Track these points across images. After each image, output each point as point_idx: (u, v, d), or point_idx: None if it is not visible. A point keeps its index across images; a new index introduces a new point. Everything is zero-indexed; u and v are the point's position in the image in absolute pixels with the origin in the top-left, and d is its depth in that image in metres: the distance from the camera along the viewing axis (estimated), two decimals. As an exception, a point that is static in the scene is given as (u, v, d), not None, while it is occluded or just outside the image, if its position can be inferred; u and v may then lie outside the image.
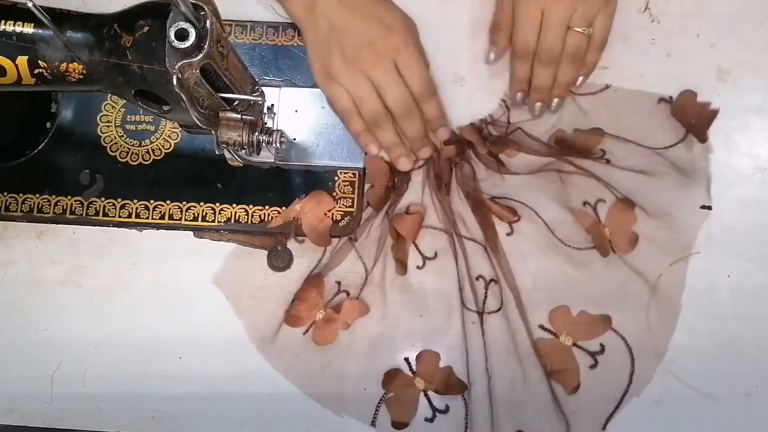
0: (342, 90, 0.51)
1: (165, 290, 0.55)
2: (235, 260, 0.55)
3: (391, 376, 0.53)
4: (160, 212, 0.55)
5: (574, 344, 0.52)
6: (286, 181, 0.55)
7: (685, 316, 0.53)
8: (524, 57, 0.53)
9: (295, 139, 0.55)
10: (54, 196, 0.56)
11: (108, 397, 0.54)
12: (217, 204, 0.55)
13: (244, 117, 0.47)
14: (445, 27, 0.58)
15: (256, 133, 0.48)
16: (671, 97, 0.55)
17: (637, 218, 0.53)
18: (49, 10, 0.39)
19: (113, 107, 0.57)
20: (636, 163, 0.54)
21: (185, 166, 0.56)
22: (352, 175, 0.55)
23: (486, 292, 0.53)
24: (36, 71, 0.41)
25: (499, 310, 0.53)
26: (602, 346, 0.52)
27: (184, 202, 0.55)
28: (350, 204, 0.55)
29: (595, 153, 0.55)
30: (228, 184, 0.55)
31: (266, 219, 0.55)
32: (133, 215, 0.55)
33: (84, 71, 0.42)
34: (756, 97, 0.56)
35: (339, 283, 0.54)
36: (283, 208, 0.55)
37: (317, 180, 0.55)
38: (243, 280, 0.55)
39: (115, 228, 0.56)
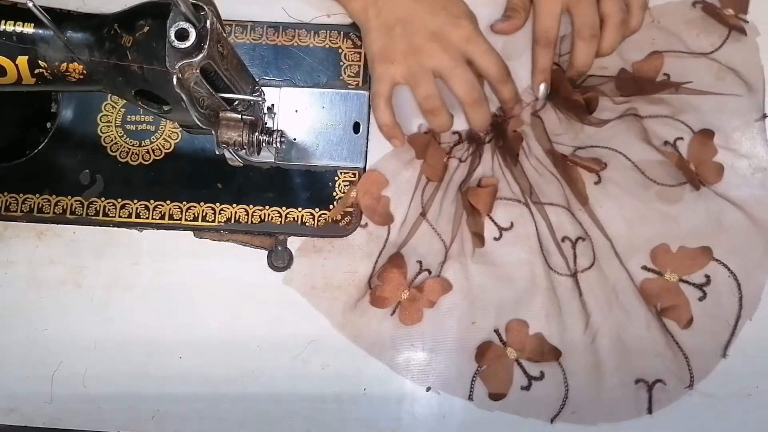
0: (390, 77, 0.51)
1: (165, 290, 0.55)
2: (305, 260, 0.55)
3: (483, 349, 0.52)
4: (160, 212, 0.55)
5: (680, 280, 0.52)
6: (286, 181, 0.55)
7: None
8: (547, 45, 0.53)
9: (295, 139, 0.55)
10: (54, 196, 0.56)
11: (108, 397, 0.54)
12: (217, 204, 0.55)
13: (244, 117, 0.47)
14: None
15: (256, 133, 0.48)
16: None
17: (717, 151, 0.54)
18: (49, 10, 0.39)
19: (113, 107, 0.57)
20: (699, 80, 0.54)
21: (185, 166, 0.56)
22: (352, 175, 0.55)
23: (575, 252, 0.53)
24: (36, 71, 0.41)
25: (592, 265, 0.53)
26: (707, 277, 0.53)
27: (184, 202, 0.55)
28: (351, 204, 0.55)
29: (661, 81, 0.55)
30: (228, 184, 0.55)
31: (266, 219, 0.55)
32: (133, 215, 0.55)
33: (84, 71, 0.42)
34: (760, 101, 0.56)
35: (420, 262, 0.54)
36: (283, 208, 0.55)
37: (317, 180, 0.55)
38: (314, 273, 0.55)
39: (115, 228, 0.56)
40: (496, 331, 0.53)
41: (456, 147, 0.55)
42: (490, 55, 0.50)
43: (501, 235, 0.54)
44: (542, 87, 0.54)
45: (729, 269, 0.53)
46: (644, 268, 0.53)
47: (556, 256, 0.53)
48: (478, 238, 0.53)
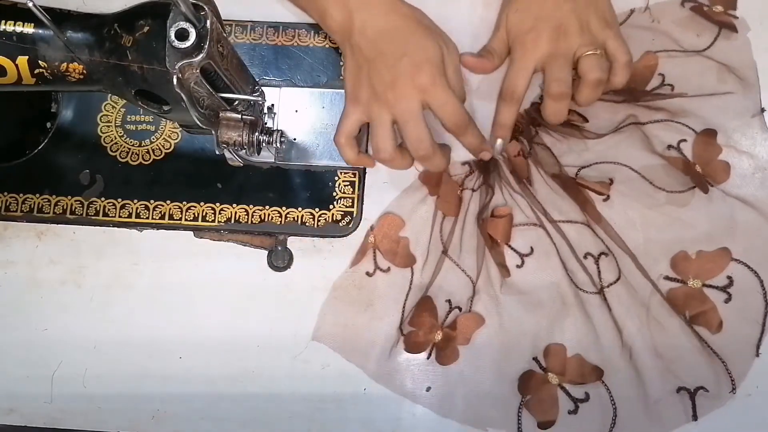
0: (358, 116, 0.50)
1: (165, 290, 0.55)
2: (331, 315, 0.54)
3: (525, 379, 0.52)
4: (160, 212, 0.55)
5: (704, 285, 0.52)
6: (286, 181, 0.55)
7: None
8: (511, 102, 0.52)
9: (295, 139, 0.55)
10: (54, 196, 0.56)
11: (108, 397, 0.54)
12: (217, 204, 0.55)
13: (244, 117, 0.47)
14: (445, 27, 0.58)
15: (256, 133, 0.48)
16: None
17: (721, 150, 0.54)
18: (49, 10, 0.39)
19: (113, 107, 0.57)
20: (702, 84, 0.54)
21: (185, 166, 0.56)
22: (352, 175, 0.55)
23: (598, 267, 0.53)
24: (36, 71, 0.41)
25: (618, 279, 0.53)
26: (730, 279, 0.52)
27: (184, 202, 0.55)
28: (350, 204, 0.55)
29: (654, 90, 0.55)
30: (228, 184, 0.55)
31: (266, 219, 0.55)
32: (133, 215, 0.55)
33: (84, 71, 0.42)
34: (756, 97, 0.56)
35: (449, 301, 0.53)
36: (283, 208, 0.55)
37: (317, 180, 0.55)
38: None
39: (115, 228, 0.56)
40: (535, 359, 0.52)
41: (467, 177, 0.55)
42: (447, 107, 0.49)
43: (523, 262, 0.54)
44: (498, 143, 0.53)
45: (750, 267, 0.53)
46: (667, 278, 0.53)
47: (581, 274, 0.53)
48: (504, 268, 0.53)
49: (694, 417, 0.51)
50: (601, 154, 0.55)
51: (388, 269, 0.54)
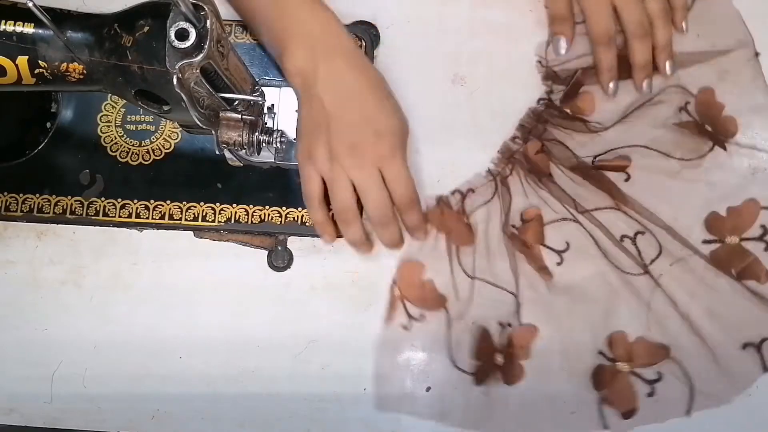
0: (317, 175, 0.49)
1: (165, 290, 0.55)
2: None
3: (597, 374, 0.52)
4: (160, 212, 0.55)
5: (741, 239, 0.53)
6: (286, 181, 0.55)
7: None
8: (608, 43, 0.53)
9: (295, 139, 0.55)
10: (54, 196, 0.56)
11: (108, 397, 0.54)
12: (217, 204, 0.55)
13: (244, 117, 0.47)
14: (446, 27, 0.58)
15: (256, 133, 0.48)
16: None
17: (724, 105, 0.54)
18: (49, 10, 0.39)
19: (113, 107, 0.57)
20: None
21: (185, 166, 0.56)
22: (352, 175, 0.55)
23: (637, 247, 0.53)
24: (36, 71, 0.41)
25: (659, 254, 0.53)
26: (763, 227, 0.53)
27: (184, 202, 0.55)
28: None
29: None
30: (228, 184, 0.55)
31: (266, 219, 0.55)
32: (133, 215, 0.55)
33: (84, 71, 0.42)
34: (756, 97, 0.56)
35: (500, 323, 0.53)
36: (283, 208, 0.55)
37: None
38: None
39: (115, 228, 0.56)
40: (600, 353, 0.52)
41: (465, 201, 0.55)
42: (401, 181, 0.49)
43: (562, 259, 0.54)
44: (611, 85, 0.54)
45: None
46: (705, 241, 0.53)
47: (623, 257, 0.53)
48: (544, 271, 0.53)
49: (765, 368, 0.51)
50: (612, 141, 0.55)
51: (422, 316, 0.53)
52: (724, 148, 0.54)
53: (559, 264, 0.54)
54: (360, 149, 0.48)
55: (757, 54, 0.55)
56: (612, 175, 0.54)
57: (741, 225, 0.53)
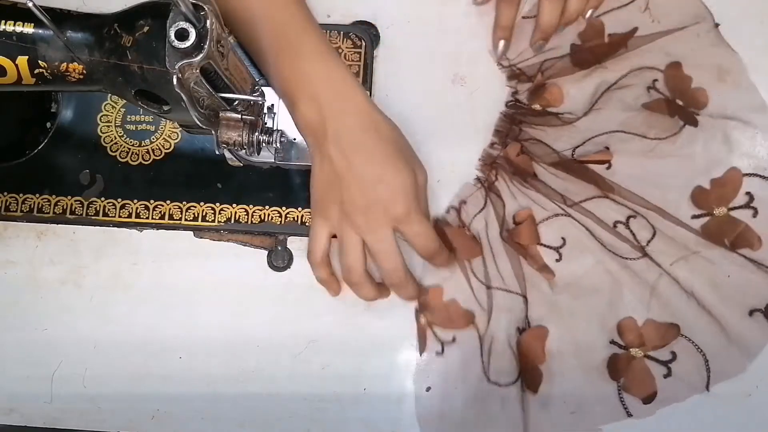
0: (327, 232, 0.48)
1: (165, 290, 0.55)
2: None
3: (612, 365, 0.52)
4: (160, 212, 0.55)
5: (729, 209, 0.53)
6: (286, 181, 0.55)
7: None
8: (511, 1, 0.53)
9: (295, 139, 0.55)
10: (54, 196, 0.56)
11: (108, 397, 0.54)
12: (217, 204, 0.55)
13: (244, 117, 0.47)
14: (445, 26, 0.58)
15: (256, 133, 0.48)
16: None
17: (691, 78, 0.55)
18: (49, 10, 0.39)
19: (113, 107, 0.57)
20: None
21: (185, 166, 0.56)
22: (352, 175, 0.55)
23: (632, 231, 0.53)
24: (36, 71, 0.41)
25: (654, 235, 0.53)
26: (749, 194, 0.54)
27: (184, 202, 0.55)
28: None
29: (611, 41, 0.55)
30: (228, 184, 0.55)
31: (266, 219, 0.55)
32: (133, 215, 0.55)
33: (84, 71, 0.42)
34: (756, 97, 0.56)
35: (518, 328, 0.53)
36: (283, 208, 0.55)
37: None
38: None
39: (115, 228, 0.56)
40: (612, 342, 0.52)
41: (462, 214, 0.54)
42: (421, 238, 0.48)
43: (560, 255, 0.54)
44: (502, 43, 0.55)
45: (762, 176, 0.53)
46: (694, 216, 0.53)
47: (619, 244, 0.53)
48: (546, 270, 0.53)
49: None
50: (587, 130, 0.55)
51: (454, 339, 0.53)
52: (695, 124, 0.54)
53: (558, 261, 0.54)
54: (373, 210, 0.46)
55: (716, 25, 0.56)
56: (594, 165, 0.54)
57: (727, 196, 0.53)
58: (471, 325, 0.53)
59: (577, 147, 0.55)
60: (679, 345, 0.52)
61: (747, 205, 0.53)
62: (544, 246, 0.54)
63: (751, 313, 0.52)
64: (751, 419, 0.52)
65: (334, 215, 0.48)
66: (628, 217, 0.53)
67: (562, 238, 0.54)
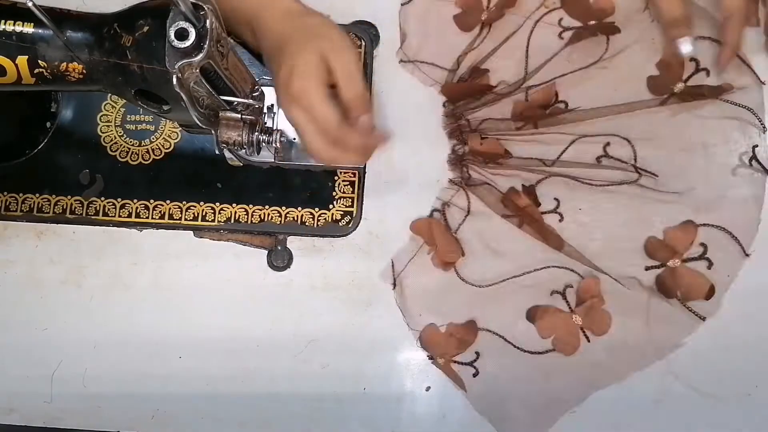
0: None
1: (165, 290, 0.55)
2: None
3: (661, 284, 0.53)
4: (160, 212, 0.55)
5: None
6: (286, 181, 0.55)
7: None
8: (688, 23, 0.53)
9: (295, 139, 0.55)
10: (54, 196, 0.56)
11: (108, 397, 0.54)
12: (217, 204, 0.55)
13: (243, 117, 0.47)
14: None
15: (256, 133, 0.48)
16: None
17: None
18: (49, 10, 0.39)
19: (113, 107, 0.57)
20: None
21: (185, 166, 0.56)
22: (352, 175, 0.55)
23: (613, 158, 0.54)
24: (36, 71, 0.41)
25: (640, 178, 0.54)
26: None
27: (184, 202, 0.55)
28: (350, 204, 0.55)
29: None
30: (228, 184, 0.55)
31: (266, 219, 0.55)
32: (133, 215, 0.55)
33: (84, 71, 0.42)
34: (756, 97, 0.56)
35: (556, 291, 0.54)
36: (283, 208, 0.55)
37: (317, 180, 0.55)
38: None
39: (115, 228, 0.56)
40: (648, 268, 0.53)
41: (447, 213, 0.55)
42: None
43: (561, 216, 0.54)
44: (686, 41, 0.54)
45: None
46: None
47: (607, 172, 0.54)
48: (555, 237, 0.53)
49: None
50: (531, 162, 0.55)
51: (477, 354, 0.53)
52: (617, 31, 0.54)
53: (561, 221, 0.54)
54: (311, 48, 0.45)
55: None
56: (546, 219, 0.54)
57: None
58: (479, 332, 0.53)
59: (540, 181, 0.55)
60: (705, 235, 0.53)
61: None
62: (543, 212, 0.54)
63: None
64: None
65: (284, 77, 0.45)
66: (605, 145, 0.55)
67: (556, 199, 0.54)
